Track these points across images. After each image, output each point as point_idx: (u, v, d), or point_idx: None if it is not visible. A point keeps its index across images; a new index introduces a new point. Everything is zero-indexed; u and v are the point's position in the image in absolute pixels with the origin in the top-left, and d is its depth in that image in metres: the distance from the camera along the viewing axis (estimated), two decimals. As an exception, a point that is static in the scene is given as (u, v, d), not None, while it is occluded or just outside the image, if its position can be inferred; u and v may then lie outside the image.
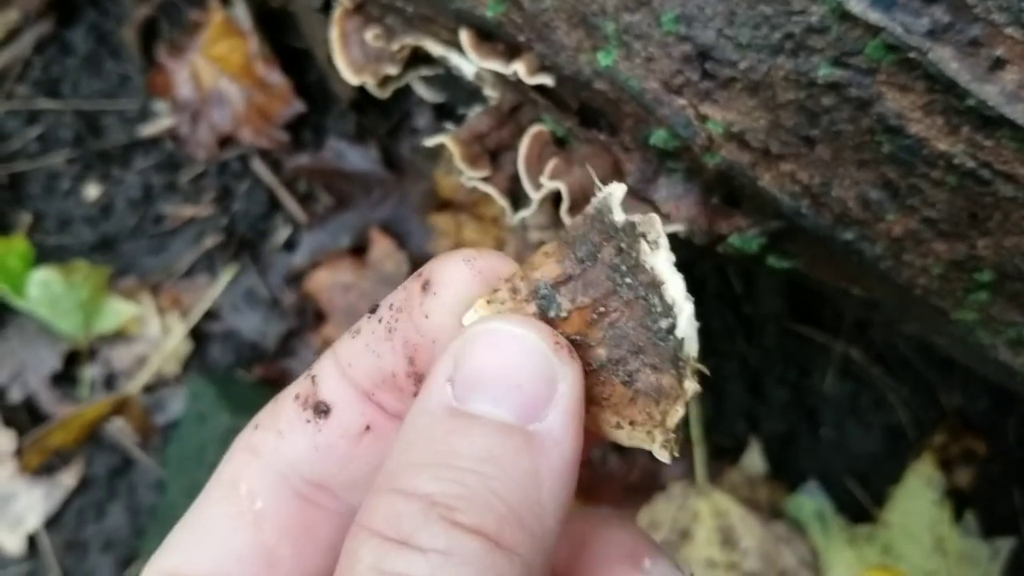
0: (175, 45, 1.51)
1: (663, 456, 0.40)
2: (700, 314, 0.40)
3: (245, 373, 1.46)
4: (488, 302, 0.41)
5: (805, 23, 0.65)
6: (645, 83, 0.72)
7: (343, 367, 0.43)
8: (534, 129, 0.84)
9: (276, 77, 1.47)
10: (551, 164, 0.81)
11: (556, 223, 1.31)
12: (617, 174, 0.82)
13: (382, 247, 1.42)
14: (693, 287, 0.39)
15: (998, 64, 0.62)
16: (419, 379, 0.42)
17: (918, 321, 0.84)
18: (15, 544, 1.44)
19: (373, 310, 0.44)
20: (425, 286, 0.41)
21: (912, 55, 0.63)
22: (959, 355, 0.89)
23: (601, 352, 0.41)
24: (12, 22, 1.54)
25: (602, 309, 0.40)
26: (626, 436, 0.41)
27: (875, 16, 0.63)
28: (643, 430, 0.40)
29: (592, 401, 0.41)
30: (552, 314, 0.41)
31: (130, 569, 1.42)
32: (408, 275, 0.45)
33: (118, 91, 1.55)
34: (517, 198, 0.90)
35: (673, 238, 0.82)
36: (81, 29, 1.56)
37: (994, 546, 1.24)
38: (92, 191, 1.53)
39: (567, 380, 0.38)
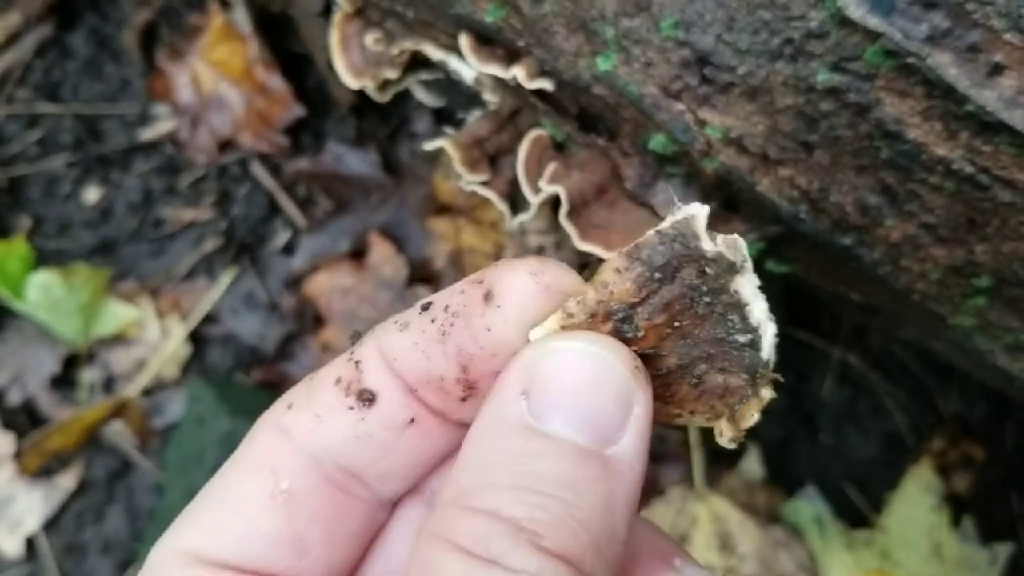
0: (175, 49, 1.51)
1: (727, 444, 0.42)
2: (776, 383, 0.43)
3: (244, 377, 1.46)
4: (562, 327, 0.40)
5: (804, 28, 0.65)
6: (644, 88, 0.72)
7: (388, 359, 0.42)
8: (533, 133, 0.84)
9: (276, 81, 1.47)
10: (550, 168, 0.81)
11: (555, 227, 1.31)
12: (616, 178, 0.82)
13: (381, 251, 1.42)
14: None
15: (997, 70, 0.62)
16: (469, 386, 0.41)
17: (916, 326, 0.84)
18: (14, 546, 1.44)
19: (426, 307, 0.42)
20: (488, 296, 0.40)
21: (911, 61, 0.63)
22: (957, 360, 0.89)
23: (672, 360, 0.41)
24: (13, 26, 1.54)
25: (677, 324, 0.41)
26: (684, 422, 0.43)
27: (874, 22, 0.63)
28: (702, 418, 0.42)
29: (656, 398, 0.41)
30: (630, 335, 0.41)
31: (128, 572, 1.42)
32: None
33: (118, 95, 1.55)
34: (516, 202, 0.91)
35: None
36: (81, 33, 1.56)
37: (992, 552, 1.24)
38: (92, 195, 1.53)
39: (641, 403, 0.39)
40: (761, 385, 0.41)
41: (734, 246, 0.40)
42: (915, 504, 1.26)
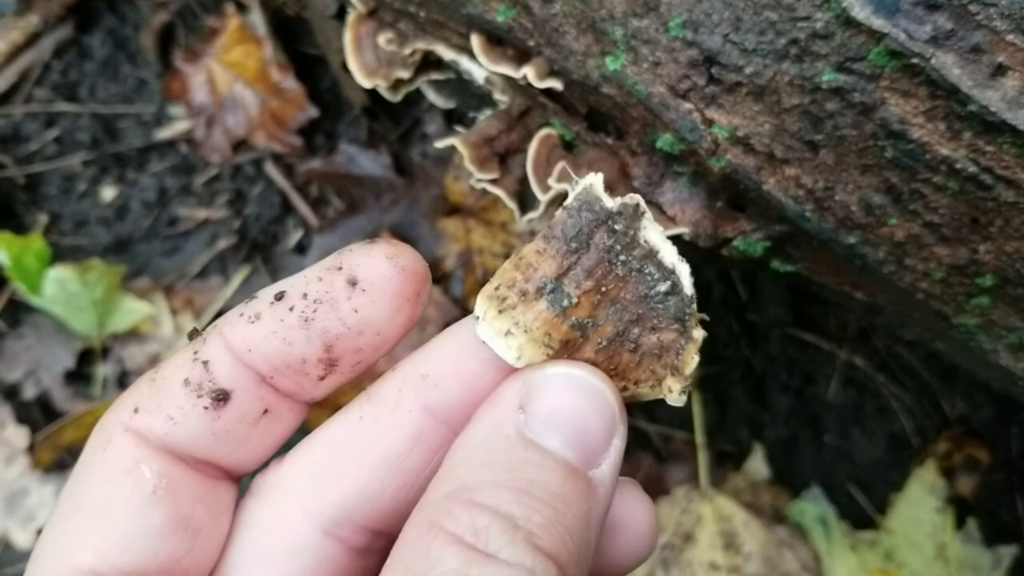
0: (191, 51, 1.54)
1: (678, 400, 0.45)
2: (705, 321, 0.46)
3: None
4: (500, 311, 0.44)
5: (810, 29, 0.66)
6: (652, 87, 0.74)
7: (238, 352, 0.44)
8: (543, 133, 0.85)
9: (290, 83, 1.49)
10: (559, 167, 0.82)
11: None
12: (624, 177, 0.83)
13: (392, 251, 1.43)
14: (698, 294, 0.45)
15: (999, 70, 0.63)
16: (331, 364, 0.44)
17: (920, 326, 0.85)
18: (26, 539, 1.45)
19: (280, 297, 0.44)
20: (352, 281, 0.43)
21: (915, 61, 0.64)
22: (961, 360, 0.90)
23: (609, 329, 0.45)
24: (32, 27, 1.57)
25: (603, 288, 0.44)
26: (629, 396, 0.45)
27: (879, 22, 0.64)
28: (646, 386, 0.45)
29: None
30: (565, 304, 0.44)
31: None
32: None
33: (135, 95, 1.57)
34: (525, 201, 0.92)
35: (678, 241, 0.83)
36: (99, 34, 1.59)
37: (996, 554, 1.24)
38: (108, 193, 1.55)
39: (620, 436, 0.43)
40: (692, 328, 0.44)
41: (633, 199, 0.44)
42: (919, 506, 1.26)
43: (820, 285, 0.86)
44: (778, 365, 1.41)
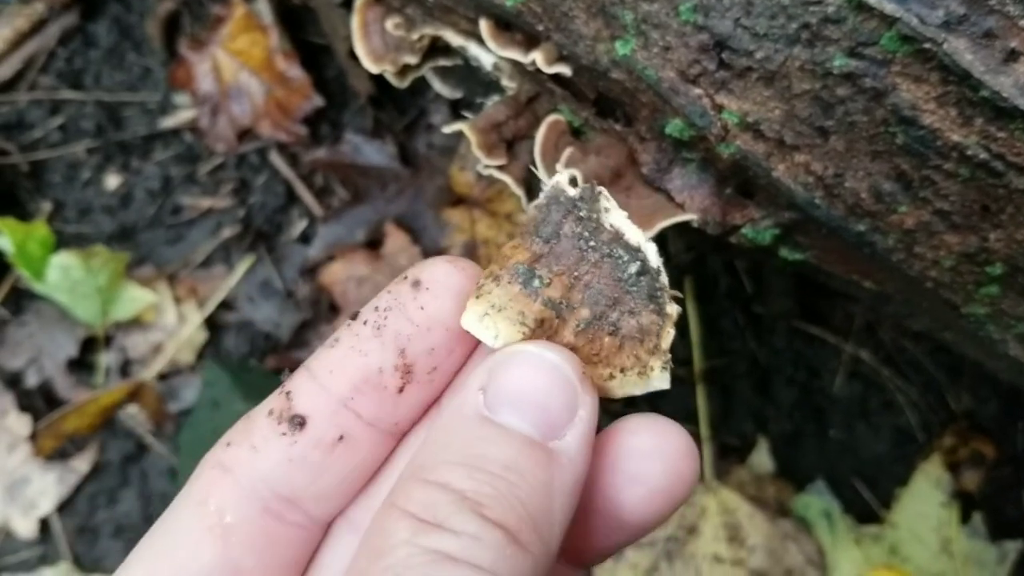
0: (197, 39, 1.53)
1: (664, 381, 0.46)
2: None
3: (258, 363, 1.48)
4: (477, 297, 0.46)
5: (821, 13, 0.66)
6: (662, 72, 0.73)
7: (319, 378, 0.46)
8: (551, 118, 0.85)
9: (296, 72, 1.49)
10: (567, 153, 0.82)
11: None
12: (632, 164, 0.83)
13: (397, 241, 1.43)
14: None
15: (1012, 56, 0.63)
16: (407, 371, 0.46)
17: (928, 316, 0.85)
18: (28, 528, 1.45)
19: (354, 316, 0.47)
20: (416, 284, 0.46)
21: (927, 46, 0.64)
22: (969, 351, 0.90)
23: (585, 312, 0.46)
24: (37, 14, 1.56)
25: (576, 274, 0.46)
26: (618, 385, 0.46)
27: (891, 7, 0.63)
28: (633, 373, 0.46)
29: (586, 361, 0.45)
30: (536, 284, 0.46)
31: None
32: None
33: (140, 83, 1.57)
34: (531, 188, 0.91)
35: (687, 227, 0.83)
36: (105, 22, 1.58)
37: (1002, 549, 1.23)
38: (112, 181, 1.55)
39: (586, 407, 0.43)
40: (665, 304, 0.46)
41: (598, 190, 0.47)
42: (925, 500, 1.26)
43: (828, 274, 0.85)
44: (783, 358, 1.40)
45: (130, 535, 1.46)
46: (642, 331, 0.46)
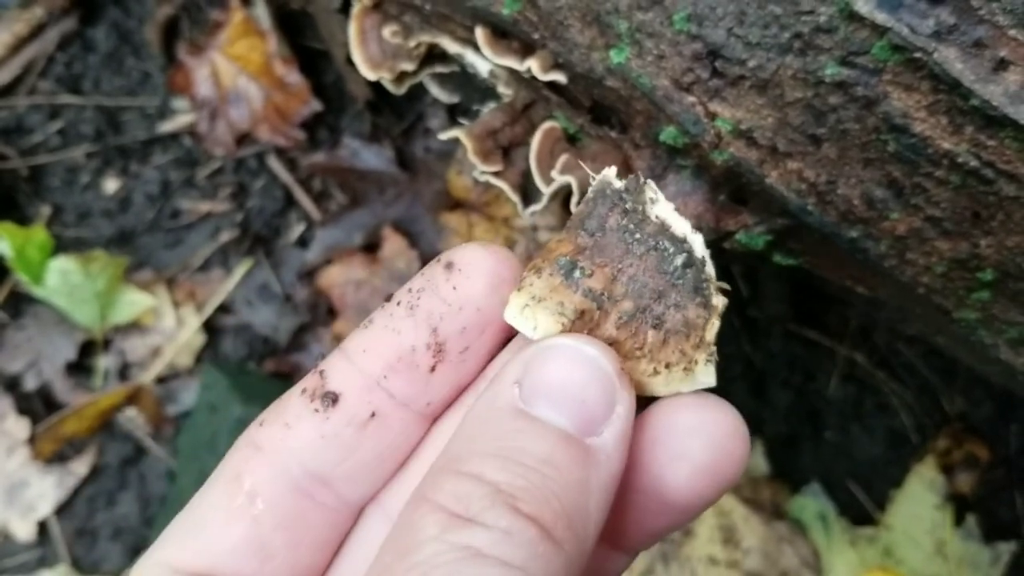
0: (195, 44, 1.54)
1: (710, 375, 0.44)
2: (723, 290, 0.45)
3: (257, 367, 1.48)
4: (519, 290, 0.45)
5: (813, 23, 0.67)
6: (656, 80, 0.74)
7: (352, 357, 0.46)
8: (546, 125, 0.85)
9: (294, 77, 1.50)
10: (562, 159, 0.82)
11: (565, 223, 1.33)
12: (627, 170, 0.84)
13: (394, 245, 1.44)
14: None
15: (1002, 65, 0.63)
16: (439, 349, 0.46)
17: (921, 320, 0.86)
18: (26, 530, 1.46)
19: (388, 298, 0.48)
20: (449, 266, 0.46)
21: (918, 55, 0.64)
22: (961, 355, 0.90)
23: (628, 304, 0.45)
24: (37, 19, 1.57)
25: (620, 266, 0.45)
26: (663, 382, 0.45)
27: (882, 17, 0.64)
28: (679, 369, 0.44)
29: (627, 356, 0.44)
30: (577, 275, 0.45)
31: (139, 557, 1.44)
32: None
33: (139, 88, 1.58)
34: (528, 194, 0.92)
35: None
36: (104, 27, 1.59)
37: (995, 551, 1.24)
38: (111, 185, 1.56)
39: (624, 404, 0.42)
40: (711, 296, 0.45)
41: (645, 182, 0.46)
42: (919, 502, 1.27)
43: (821, 279, 0.86)
44: (779, 361, 1.41)
45: (128, 537, 1.46)
46: (688, 325, 0.44)
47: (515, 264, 0.47)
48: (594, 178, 0.47)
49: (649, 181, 0.46)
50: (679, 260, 0.44)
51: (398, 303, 0.47)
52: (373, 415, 0.46)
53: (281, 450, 0.45)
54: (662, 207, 0.45)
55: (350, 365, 0.46)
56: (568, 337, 0.43)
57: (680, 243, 0.45)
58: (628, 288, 0.45)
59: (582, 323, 0.44)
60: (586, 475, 0.40)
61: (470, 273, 0.46)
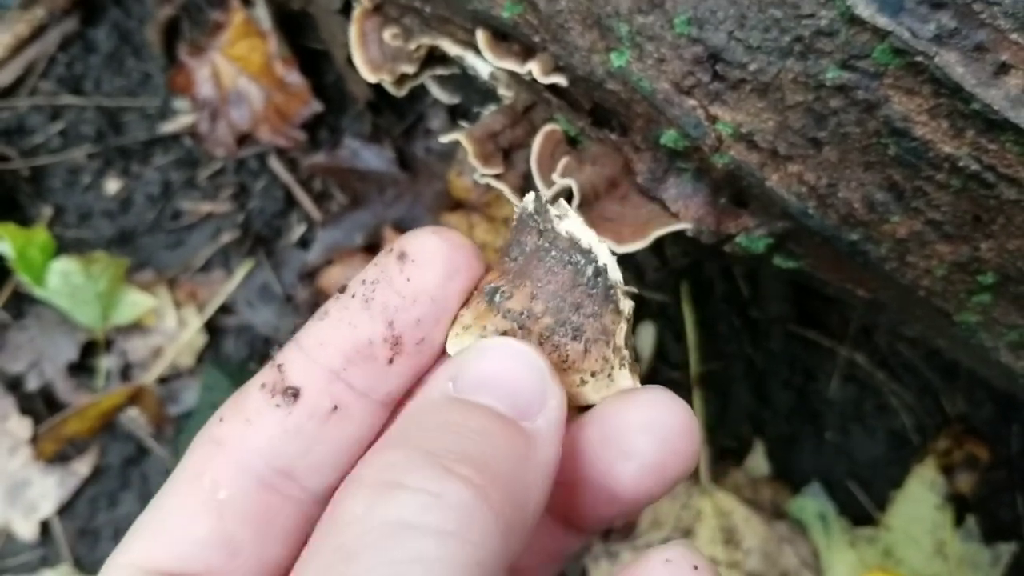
0: (196, 45, 1.54)
1: (626, 379, 0.45)
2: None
3: (258, 367, 1.48)
4: (453, 322, 0.47)
5: (814, 26, 0.67)
6: (657, 84, 0.74)
7: (309, 350, 0.46)
8: (547, 128, 0.85)
9: (294, 77, 1.50)
10: (563, 162, 0.83)
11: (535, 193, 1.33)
12: (628, 173, 0.84)
13: (395, 245, 1.44)
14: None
15: (1003, 69, 0.63)
16: (396, 342, 0.46)
17: (921, 323, 0.86)
18: (28, 530, 1.46)
19: (342, 290, 0.47)
20: (401, 256, 0.46)
21: (919, 59, 0.64)
22: (962, 357, 0.90)
23: (548, 320, 0.46)
24: (38, 20, 1.57)
25: (539, 285, 0.47)
26: (592, 390, 0.46)
27: (883, 20, 0.64)
28: (603, 376, 0.46)
29: (556, 370, 0.45)
30: (498, 298, 0.47)
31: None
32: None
33: (140, 89, 1.58)
34: (529, 196, 0.92)
35: (681, 236, 0.83)
36: (105, 28, 1.59)
37: (995, 551, 1.24)
38: (112, 186, 1.56)
39: (556, 398, 0.42)
40: (619, 301, 0.46)
41: (538, 196, 0.48)
42: (919, 503, 1.27)
43: (822, 282, 0.86)
44: (780, 362, 1.41)
45: (131, 538, 1.47)
46: (606, 332, 0.46)
47: (470, 250, 0.47)
48: (517, 205, 0.48)
49: (560, 200, 0.48)
50: (589, 270, 0.46)
51: (352, 295, 0.46)
52: (335, 408, 0.46)
53: (243, 446, 0.45)
54: (570, 222, 0.47)
55: (308, 359, 0.46)
56: (503, 338, 0.44)
57: (588, 254, 0.46)
58: (547, 304, 0.46)
59: None
60: (523, 450, 0.40)
61: (423, 263, 0.45)
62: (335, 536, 0.36)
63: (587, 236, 0.46)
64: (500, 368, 0.42)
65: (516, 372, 0.42)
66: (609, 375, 0.45)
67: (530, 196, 0.48)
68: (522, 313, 0.46)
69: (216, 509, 0.44)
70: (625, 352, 0.45)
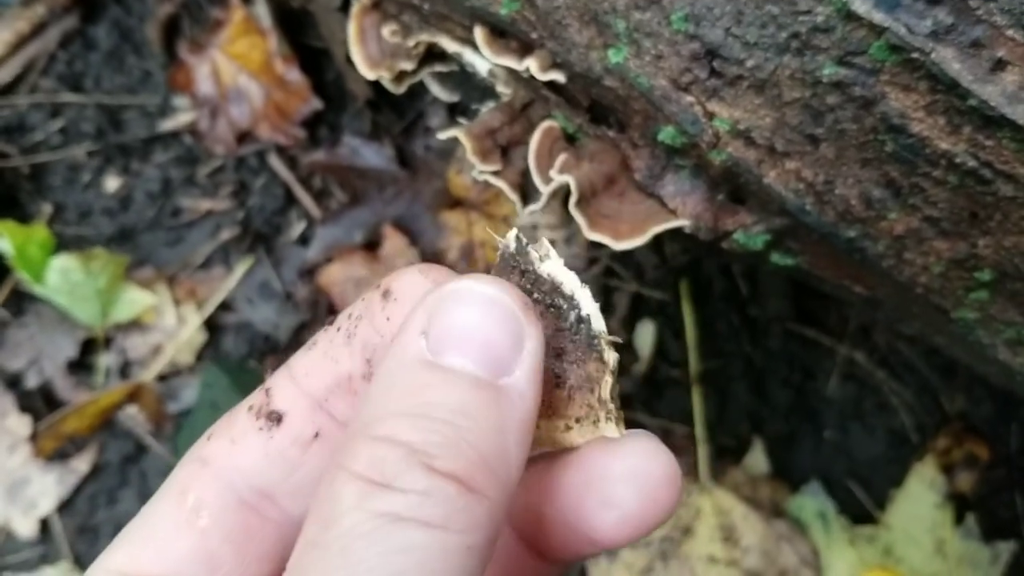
0: (196, 42, 1.54)
1: (612, 431, 0.44)
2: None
3: (257, 364, 1.48)
4: None
5: (811, 23, 0.67)
6: (654, 80, 0.74)
7: (297, 378, 0.47)
8: (545, 125, 0.85)
9: (294, 75, 1.50)
10: (561, 159, 0.83)
11: (565, 223, 1.33)
12: (626, 170, 0.84)
13: (394, 243, 1.44)
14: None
15: (999, 65, 0.63)
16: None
17: (919, 320, 0.86)
18: (28, 528, 1.46)
19: (331, 322, 0.47)
20: (385, 294, 0.46)
21: (915, 55, 0.64)
22: (960, 355, 0.90)
23: None
24: (38, 17, 1.57)
25: None
26: (578, 435, 0.45)
27: (879, 17, 0.64)
28: (589, 423, 0.45)
29: (539, 416, 0.44)
30: None
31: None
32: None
33: (139, 86, 1.58)
34: (527, 193, 0.92)
35: (680, 234, 0.83)
36: (105, 25, 1.59)
37: (995, 550, 1.24)
38: (112, 183, 1.56)
39: (532, 339, 0.41)
40: (603, 351, 0.44)
41: (519, 237, 0.46)
42: (919, 501, 1.27)
43: (820, 279, 0.86)
44: (778, 360, 1.41)
45: (130, 535, 1.47)
46: (589, 380, 0.44)
47: None
48: (500, 241, 0.47)
49: (543, 240, 0.46)
50: (572, 316, 0.45)
51: (338, 328, 0.47)
52: (317, 435, 0.46)
53: (227, 466, 0.46)
54: (551, 264, 0.45)
55: (294, 385, 0.47)
56: (468, 279, 0.42)
57: (570, 299, 0.45)
58: None
59: None
60: (501, 418, 0.40)
61: (404, 302, 0.45)
62: (334, 525, 0.37)
63: (569, 281, 0.45)
64: (470, 317, 0.41)
65: (491, 321, 0.41)
66: (595, 422, 0.44)
67: (512, 234, 0.46)
68: None
69: (198, 527, 0.45)
70: (611, 405, 0.44)
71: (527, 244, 0.46)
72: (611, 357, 0.44)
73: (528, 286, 0.45)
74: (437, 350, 0.41)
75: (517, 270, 0.46)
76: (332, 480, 0.39)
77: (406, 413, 0.39)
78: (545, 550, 0.47)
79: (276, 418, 0.46)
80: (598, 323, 0.44)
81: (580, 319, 0.44)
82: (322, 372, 0.46)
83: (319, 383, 0.46)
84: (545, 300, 0.45)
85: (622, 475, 0.43)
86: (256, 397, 0.47)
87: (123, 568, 0.45)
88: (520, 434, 0.41)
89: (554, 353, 0.45)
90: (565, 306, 0.45)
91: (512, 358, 0.41)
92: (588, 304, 0.44)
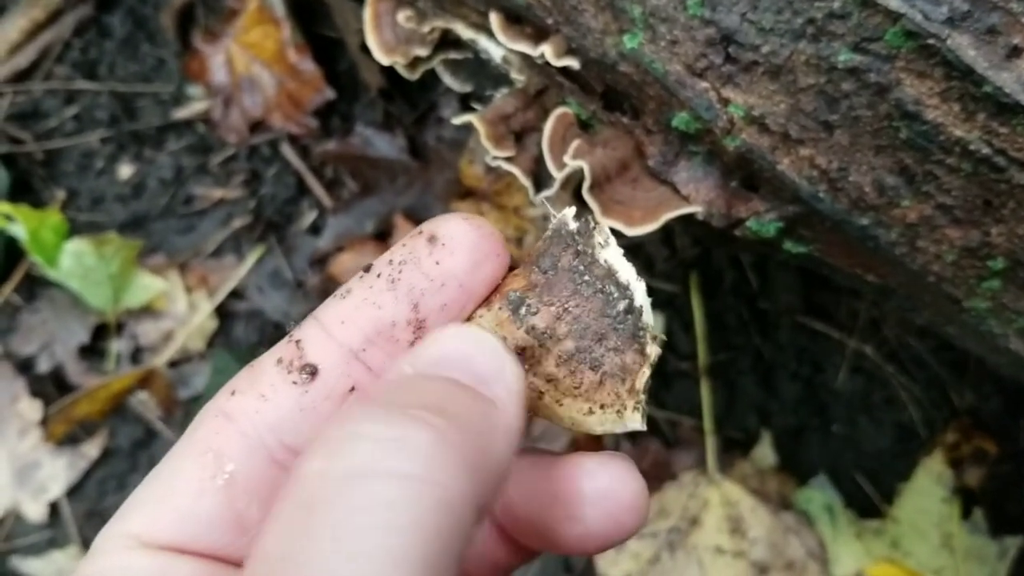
0: (210, 31, 1.55)
1: (636, 422, 0.45)
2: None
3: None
4: (468, 319, 0.46)
5: (827, 9, 0.67)
6: (669, 66, 0.74)
7: (330, 329, 0.45)
8: (559, 111, 0.86)
9: (307, 64, 1.50)
10: (574, 144, 0.83)
11: (578, 212, 1.33)
12: (639, 156, 0.84)
13: (405, 233, 1.44)
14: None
15: (1015, 52, 0.63)
16: (419, 326, 0.45)
17: (930, 309, 0.86)
18: (38, 512, 1.47)
19: (367, 269, 0.46)
20: (432, 239, 0.45)
21: (931, 42, 0.64)
22: (970, 345, 0.90)
23: (569, 344, 0.46)
24: (53, 5, 1.58)
25: (566, 306, 0.46)
26: (597, 422, 0.45)
27: (895, 3, 0.64)
28: (612, 411, 0.45)
29: (565, 393, 0.45)
30: (523, 311, 0.46)
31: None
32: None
33: (153, 74, 1.59)
34: (539, 180, 0.92)
35: (693, 222, 0.84)
36: (120, 13, 1.60)
37: (1002, 544, 1.24)
38: (125, 170, 1.57)
39: (511, 369, 0.41)
40: (646, 344, 0.45)
41: (598, 225, 0.47)
42: (926, 495, 1.27)
43: (831, 268, 0.86)
44: (787, 353, 1.41)
45: (139, 520, 1.48)
46: (624, 369, 0.45)
47: (497, 239, 0.46)
48: (555, 216, 0.48)
49: (600, 224, 0.47)
50: (621, 305, 0.45)
51: (378, 275, 0.45)
52: (352, 389, 0.45)
53: (256, 422, 0.44)
54: (611, 252, 0.46)
55: (328, 337, 0.45)
56: (453, 325, 0.43)
57: (624, 289, 0.45)
58: (571, 328, 0.46)
59: (522, 358, 0.45)
60: (485, 411, 0.39)
61: (454, 248, 0.45)
62: (296, 493, 0.34)
63: (626, 271, 0.46)
64: (454, 348, 0.41)
65: (471, 350, 0.41)
66: (619, 412, 0.45)
67: (571, 211, 0.47)
68: (545, 332, 0.45)
69: (225, 485, 0.43)
70: (641, 397, 0.45)
71: (592, 227, 0.47)
72: (654, 351, 0.45)
73: (582, 267, 0.46)
74: (421, 368, 0.40)
75: (572, 249, 0.46)
76: (305, 449, 0.37)
77: (386, 391, 0.39)
78: (515, 542, 0.47)
79: (311, 371, 0.44)
80: (648, 317, 0.45)
81: (629, 309, 0.45)
82: (361, 320, 0.45)
83: (356, 332, 0.45)
84: (596, 284, 0.46)
85: (591, 495, 0.44)
86: (284, 349, 0.45)
87: (140, 533, 0.42)
88: (503, 433, 0.39)
89: (595, 336, 0.45)
90: (616, 294, 0.46)
91: (493, 376, 0.40)
92: (642, 297, 0.45)
